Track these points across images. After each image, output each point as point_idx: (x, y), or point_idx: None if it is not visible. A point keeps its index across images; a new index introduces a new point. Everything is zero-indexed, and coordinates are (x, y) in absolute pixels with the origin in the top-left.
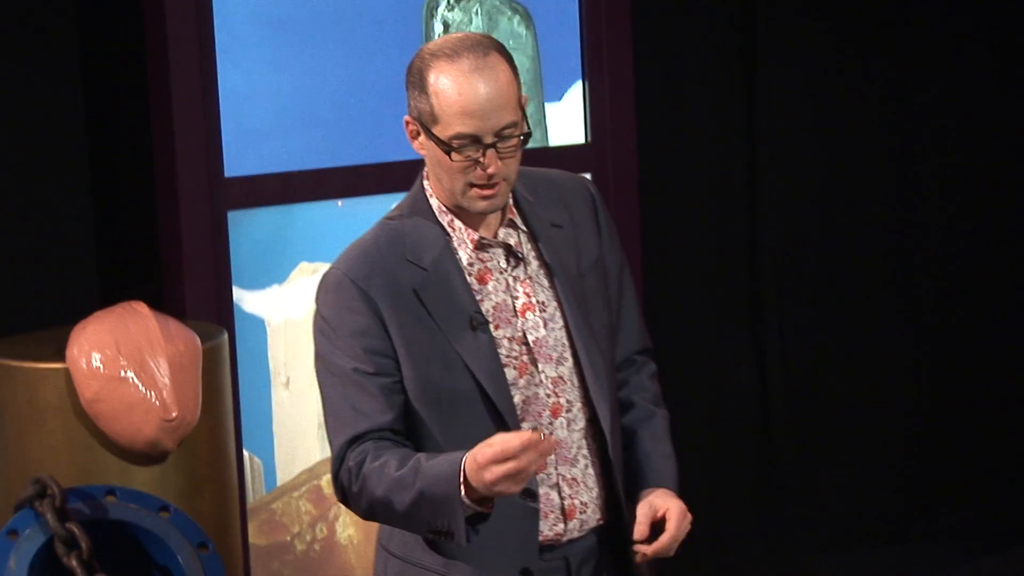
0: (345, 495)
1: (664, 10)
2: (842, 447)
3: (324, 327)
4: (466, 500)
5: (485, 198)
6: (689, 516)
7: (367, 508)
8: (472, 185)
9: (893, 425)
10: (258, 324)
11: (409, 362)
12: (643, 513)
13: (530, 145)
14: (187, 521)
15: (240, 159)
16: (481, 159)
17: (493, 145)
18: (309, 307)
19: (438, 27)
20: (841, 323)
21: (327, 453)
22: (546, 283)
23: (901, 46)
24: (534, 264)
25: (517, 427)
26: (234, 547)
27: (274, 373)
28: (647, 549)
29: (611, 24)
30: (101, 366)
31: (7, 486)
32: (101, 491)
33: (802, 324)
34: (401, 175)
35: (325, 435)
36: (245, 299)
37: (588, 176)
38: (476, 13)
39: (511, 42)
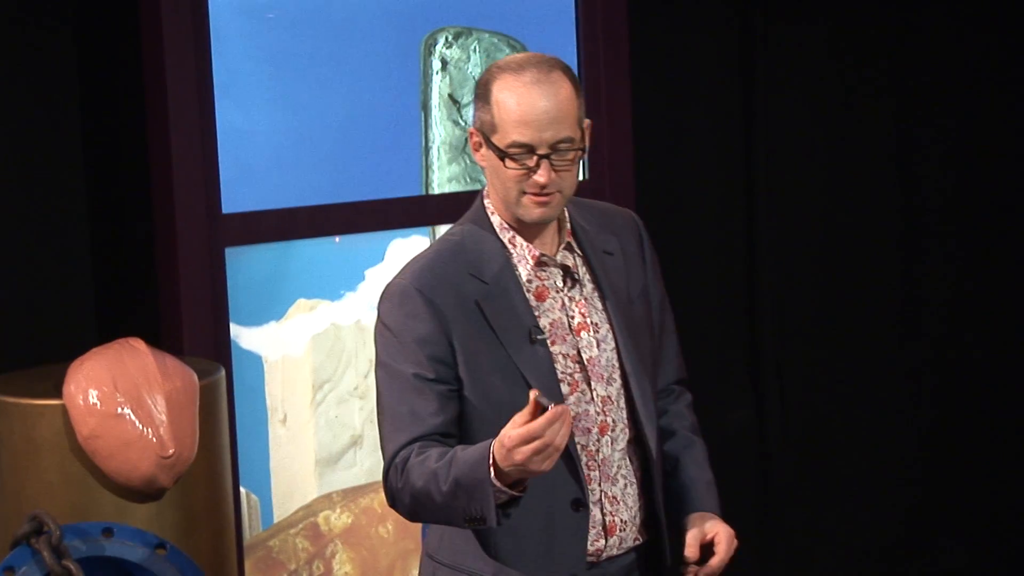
0: (392, 496)
1: (662, 50)
2: (841, 488)
3: (387, 333)
4: (496, 483)
5: (539, 205)
6: (736, 541)
7: (411, 504)
8: (525, 193)
9: (892, 467)
10: (255, 361)
11: (469, 373)
12: (693, 535)
13: None
14: (183, 559)
15: (238, 195)
16: (535, 168)
17: (547, 156)
18: (306, 344)
19: (436, 64)
20: (839, 365)
21: (324, 490)
22: (599, 305)
23: (903, 69)
24: (588, 287)
25: (575, 444)
26: None
27: (271, 410)
28: (698, 571)
29: (609, 63)
30: (98, 403)
31: (4, 523)
32: (98, 528)
33: (800, 366)
34: (399, 211)
35: (320, 472)
36: (242, 336)
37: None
38: (474, 50)
39: None
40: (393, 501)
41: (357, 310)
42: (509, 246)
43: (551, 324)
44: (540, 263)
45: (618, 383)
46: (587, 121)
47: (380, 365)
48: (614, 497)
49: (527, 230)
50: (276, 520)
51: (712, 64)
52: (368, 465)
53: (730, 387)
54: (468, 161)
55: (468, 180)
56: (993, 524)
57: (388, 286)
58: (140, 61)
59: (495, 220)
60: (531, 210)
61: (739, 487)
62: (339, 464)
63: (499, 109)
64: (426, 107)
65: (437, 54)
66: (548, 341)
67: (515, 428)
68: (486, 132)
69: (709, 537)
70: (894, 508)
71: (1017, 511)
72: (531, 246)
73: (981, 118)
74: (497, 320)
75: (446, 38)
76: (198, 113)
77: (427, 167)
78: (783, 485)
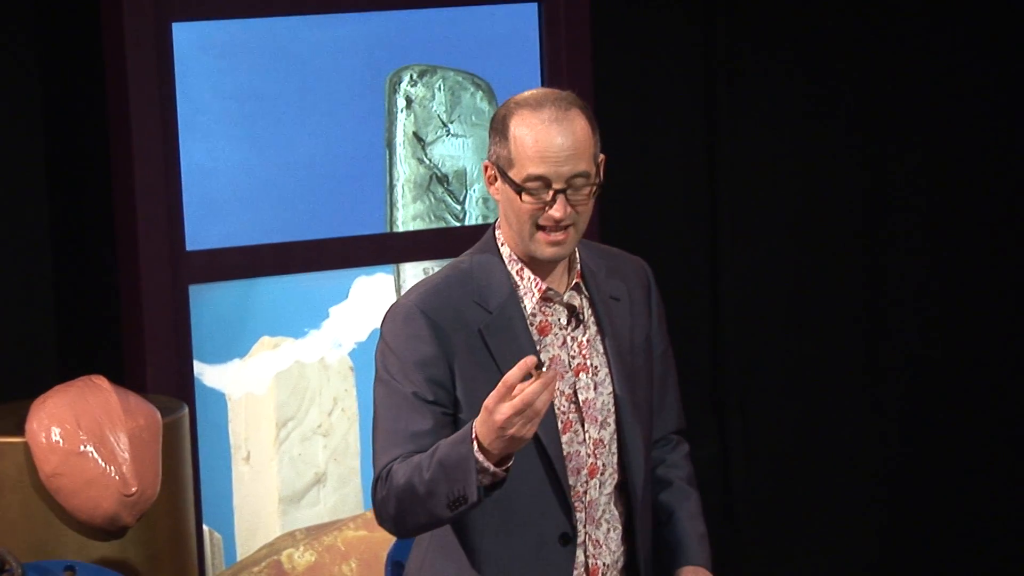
0: (378, 509)
1: (627, 86)
2: (805, 522)
3: (388, 352)
4: (479, 457)
5: (553, 243)
6: None
7: (395, 510)
8: (540, 228)
9: (857, 504)
10: (219, 398)
11: (467, 400)
12: None
13: (492, 219)
14: None
15: (202, 232)
16: (549, 202)
17: (563, 191)
18: (270, 381)
19: (401, 102)
20: (803, 402)
21: (287, 527)
22: (601, 349)
23: (867, 85)
24: (592, 329)
25: (566, 478)
26: None
27: (234, 447)
28: None
29: None
30: (61, 440)
31: None
32: (60, 566)
33: (764, 402)
34: (364, 249)
35: (283, 510)
36: (206, 373)
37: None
38: (439, 88)
39: (473, 118)
40: (380, 515)
41: (321, 348)
42: (516, 278)
43: (551, 360)
44: (546, 298)
45: (612, 427)
46: (602, 156)
47: (380, 381)
48: (597, 540)
49: (537, 265)
50: (239, 558)
51: (677, 98)
52: (332, 503)
53: (693, 423)
54: (432, 199)
55: (432, 218)
56: (962, 555)
57: (393, 306)
58: (104, 97)
59: (505, 251)
60: (544, 248)
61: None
62: (302, 502)
63: (516, 144)
64: (391, 145)
65: (402, 92)
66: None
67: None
68: (502, 166)
69: None
70: (860, 541)
71: (986, 542)
72: (538, 280)
73: (946, 135)
74: (499, 350)
75: (411, 76)
76: (162, 150)
77: (391, 204)
78: (747, 519)
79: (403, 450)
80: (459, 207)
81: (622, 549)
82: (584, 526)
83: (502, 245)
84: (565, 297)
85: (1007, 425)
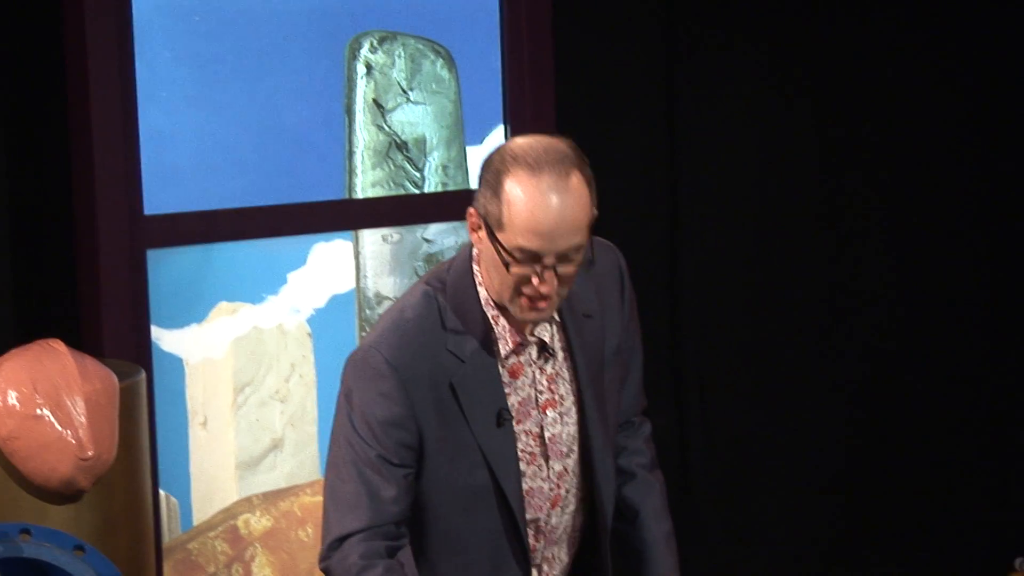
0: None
1: (587, 56)
2: (763, 498)
3: (355, 407)
4: None
5: (534, 310)
6: None
7: None
8: (522, 294)
9: (815, 477)
10: (176, 363)
11: (432, 454)
12: None
13: (451, 187)
14: (102, 560)
15: (160, 197)
16: (537, 276)
17: (553, 267)
18: (227, 347)
19: (360, 68)
20: (762, 374)
21: (243, 493)
22: (568, 376)
23: (826, 77)
24: (560, 356)
25: (523, 515)
26: None
27: (191, 413)
28: None
29: (533, 68)
30: (17, 404)
31: None
32: (15, 529)
33: (722, 374)
34: (322, 215)
35: (240, 475)
36: (163, 338)
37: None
38: (399, 56)
39: (433, 85)
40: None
41: (279, 313)
42: (493, 323)
43: (520, 402)
44: (523, 342)
45: (576, 455)
46: (594, 212)
47: (343, 433)
48: (550, 557)
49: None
50: (195, 523)
51: (636, 67)
52: (288, 468)
53: (651, 395)
54: (392, 166)
55: (392, 185)
56: (917, 534)
57: (362, 352)
58: (63, 62)
59: (482, 293)
60: (525, 313)
61: None
62: (259, 467)
63: (509, 209)
64: (350, 111)
65: (362, 58)
66: (515, 420)
67: None
68: (491, 224)
69: None
70: (817, 519)
71: (941, 522)
72: (513, 331)
73: (906, 123)
74: (468, 403)
75: (371, 42)
76: (121, 114)
77: (351, 171)
78: (704, 495)
79: (365, 521)
80: (418, 174)
81: (572, 561)
82: (543, 551)
83: (479, 285)
84: (536, 331)
85: (962, 401)
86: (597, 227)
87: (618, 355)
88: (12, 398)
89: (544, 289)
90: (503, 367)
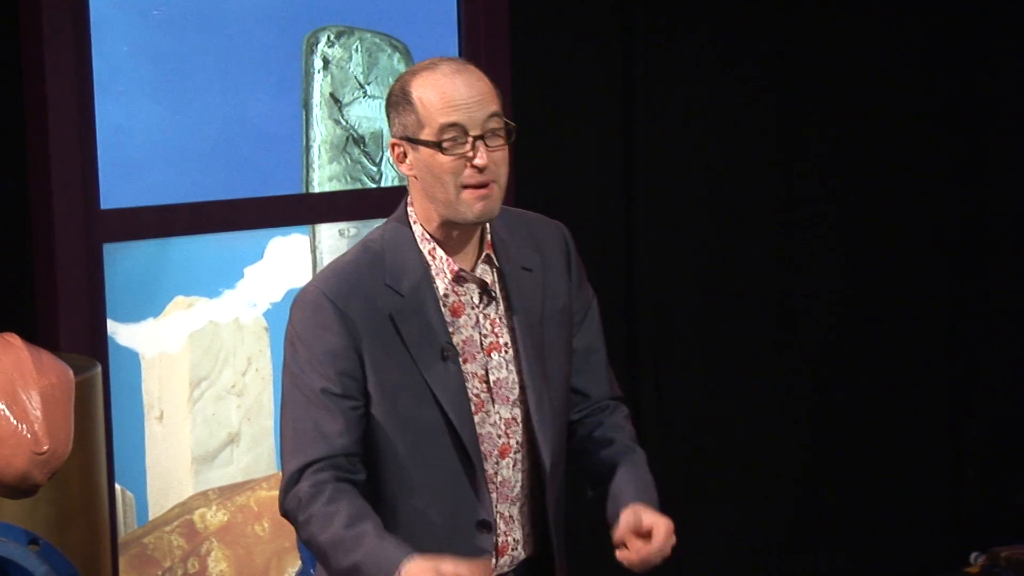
0: (289, 517)
1: (544, 56)
2: (717, 487)
3: (297, 344)
4: None
5: (481, 199)
6: (674, 537)
7: (306, 541)
8: (465, 187)
9: (770, 466)
10: (132, 357)
11: (378, 389)
12: (626, 521)
13: (407, 182)
14: (57, 555)
15: (116, 191)
16: (470, 153)
17: (481, 137)
18: (183, 342)
19: (318, 63)
20: (717, 363)
21: (199, 487)
22: (509, 324)
23: (785, 79)
24: (502, 304)
25: (480, 463)
26: None
27: (148, 407)
28: (632, 556)
29: (491, 63)
30: None
31: None
32: None
33: (677, 365)
34: (279, 209)
35: (196, 470)
36: (119, 332)
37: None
38: (356, 50)
39: (391, 79)
40: (289, 520)
41: (236, 308)
42: (429, 258)
43: (464, 341)
44: (458, 278)
45: (521, 406)
46: (501, 97)
47: (288, 374)
48: (510, 517)
49: (448, 243)
50: (151, 517)
51: (593, 62)
52: (245, 463)
53: None
54: (349, 160)
55: (348, 179)
56: (873, 526)
57: (302, 292)
58: (19, 55)
59: (417, 230)
60: (472, 205)
61: None
62: (215, 462)
63: (423, 104)
64: (307, 106)
65: (319, 53)
66: (460, 359)
67: (435, 573)
68: (411, 134)
69: (646, 527)
70: (772, 508)
71: (897, 513)
72: (450, 260)
73: (863, 125)
74: (410, 335)
75: (328, 37)
76: (77, 108)
77: (307, 166)
78: (659, 483)
79: (314, 454)
80: (375, 168)
81: (532, 520)
82: (496, 506)
83: (414, 223)
84: (477, 272)
85: (918, 392)
86: (555, 208)
87: (563, 315)
88: None
89: (481, 161)
90: (444, 306)
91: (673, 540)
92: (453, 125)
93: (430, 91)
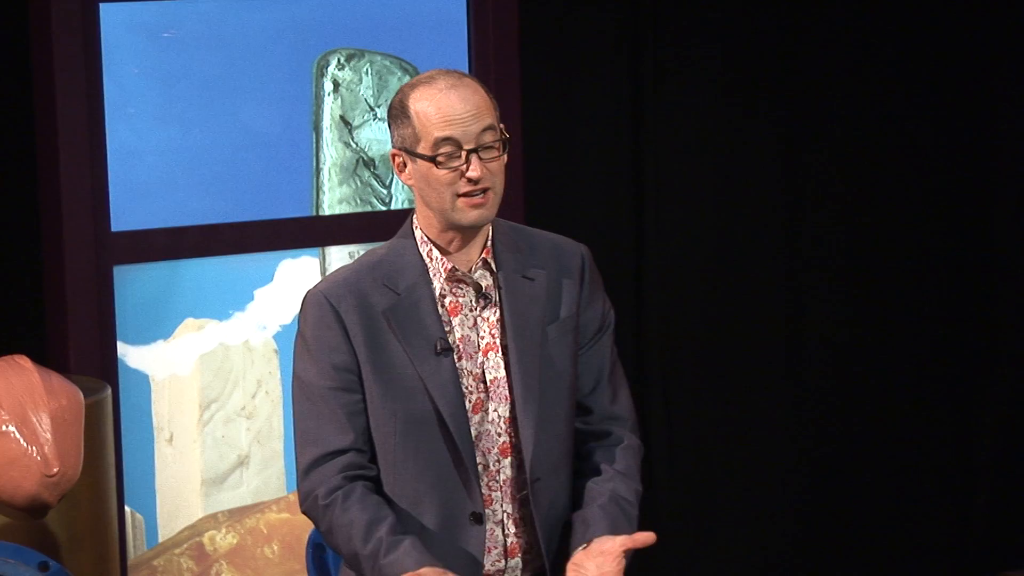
0: (309, 517)
1: (554, 76)
2: (726, 514)
3: (302, 343)
4: None
5: (475, 207)
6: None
7: (330, 546)
8: (459, 195)
9: (777, 481)
10: (142, 380)
11: (371, 383)
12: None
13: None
14: (66, 574)
15: (127, 213)
16: (464, 166)
17: (475, 150)
18: (193, 364)
19: (328, 85)
20: (726, 390)
21: (209, 510)
22: (506, 328)
23: (792, 91)
24: (500, 308)
25: (472, 458)
26: None
27: (157, 429)
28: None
29: (500, 85)
30: None
31: None
32: None
33: (687, 391)
34: (289, 232)
35: (206, 492)
36: (130, 354)
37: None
38: (367, 72)
39: None
40: (307, 512)
41: (246, 330)
42: (427, 259)
43: (460, 340)
44: (454, 278)
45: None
46: (497, 109)
47: (295, 374)
48: (520, 519)
49: (448, 247)
50: (161, 540)
51: (602, 82)
52: (255, 485)
53: None
54: (359, 183)
55: (358, 202)
56: (879, 548)
57: (305, 294)
58: (31, 77)
59: (418, 234)
60: (467, 213)
61: None
62: (225, 484)
63: (419, 118)
64: (317, 128)
65: (329, 75)
66: (456, 356)
67: None
68: (409, 147)
69: (596, 548)
70: (779, 525)
71: (904, 536)
72: (445, 260)
73: (872, 138)
74: (403, 331)
75: (338, 60)
76: (88, 130)
77: (317, 188)
78: (668, 500)
79: (322, 449)
80: (385, 191)
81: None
82: (502, 504)
83: (416, 228)
84: (475, 276)
85: (927, 409)
86: (562, 223)
87: (568, 324)
88: None
89: (475, 174)
90: (441, 305)
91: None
92: (447, 140)
93: (426, 105)
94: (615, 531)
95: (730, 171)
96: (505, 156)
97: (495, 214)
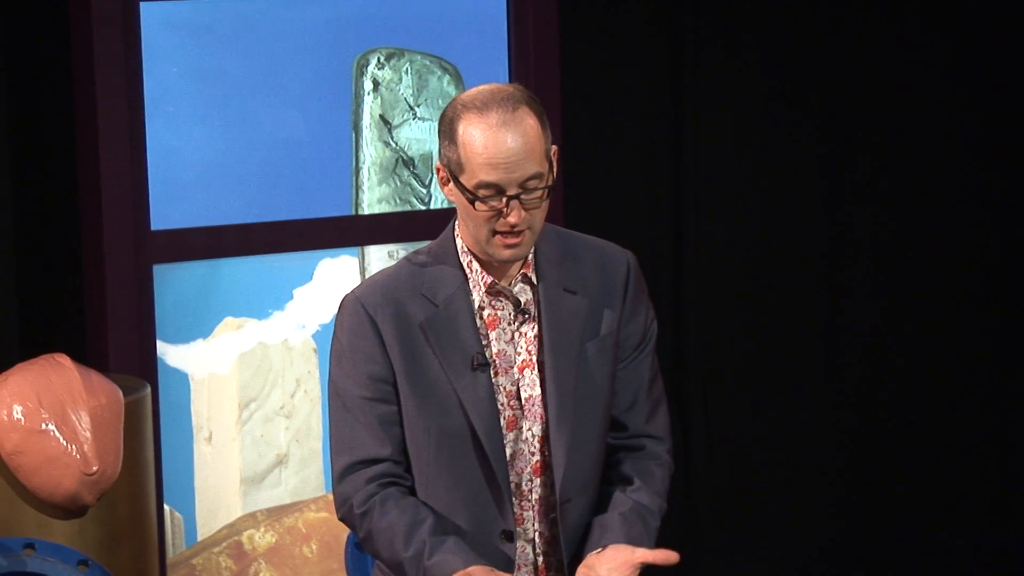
0: (346, 523)
1: (594, 76)
2: (764, 508)
3: (338, 350)
4: None
5: (509, 247)
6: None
7: (372, 553)
8: (496, 232)
9: (816, 481)
10: (182, 378)
11: (407, 395)
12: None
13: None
14: (105, 573)
15: (167, 212)
16: (504, 209)
17: (517, 196)
18: (233, 362)
19: (368, 84)
20: (765, 384)
21: (248, 509)
22: (543, 343)
23: (832, 94)
24: (538, 323)
25: (506, 477)
26: None
27: (197, 428)
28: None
29: (541, 85)
30: (22, 418)
31: None
32: (20, 544)
33: (725, 384)
34: (328, 231)
35: (244, 491)
36: (169, 353)
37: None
38: (406, 72)
39: (440, 101)
40: (345, 518)
41: (285, 329)
42: (467, 269)
43: (497, 355)
44: (493, 291)
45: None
46: (554, 148)
47: (331, 380)
48: (552, 537)
49: (488, 261)
50: (200, 538)
51: (642, 85)
52: (293, 484)
53: None
54: (398, 182)
55: (398, 201)
56: (919, 553)
57: (342, 300)
58: (71, 77)
59: (459, 243)
60: (501, 251)
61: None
62: (264, 483)
63: (465, 150)
64: (357, 128)
65: (369, 75)
66: (492, 371)
67: None
68: (453, 170)
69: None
70: (818, 525)
71: (943, 542)
72: (484, 272)
73: (911, 147)
74: (440, 344)
75: (378, 59)
76: (128, 130)
77: (357, 187)
78: (705, 500)
79: (357, 455)
80: (424, 190)
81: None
82: (534, 524)
83: (457, 236)
84: (515, 290)
85: (965, 404)
86: (603, 236)
87: (607, 340)
88: (17, 412)
89: (513, 219)
90: (480, 318)
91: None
92: (490, 185)
93: (474, 141)
94: (632, 541)
95: (770, 169)
96: (547, 202)
97: (530, 251)
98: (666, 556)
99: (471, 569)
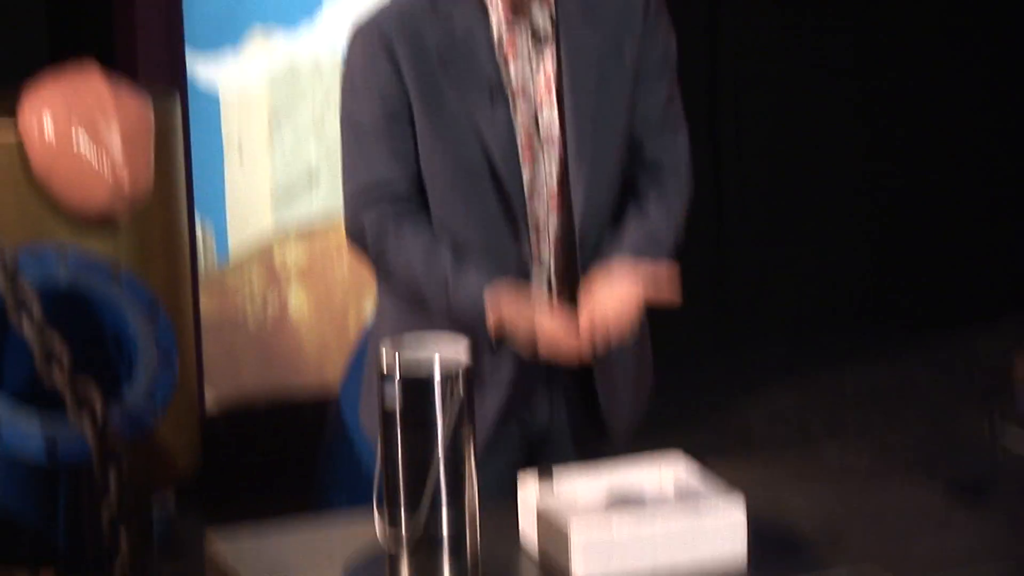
0: (357, 247)
1: None
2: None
3: (348, 75)
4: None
5: None
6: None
7: (383, 274)
8: None
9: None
10: (212, 97)
11: (423, 122)
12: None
13: None
14: (137, 284)
15: None
16: None
17: None
18: (262, 80)
19: None
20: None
21: (279, 224)
22: (561, 68)
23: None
24: (553, 47)
25: (523, 206)
26: (185, 313)
27: (227, 145)
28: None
29: None
30: (54, 136)
31: None
32: (53, 254)
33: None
34: None
35: (274, 208)
36: (199, 70)
37: None
38: None
39: None
40: (357, 249)
41: (314, 46)
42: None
43: (515, 83)
44: (511, 19)
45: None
46: None
47: (341, 106)
48: (568, 271)
49: None
50: (232, 253)
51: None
52: (324, 202)
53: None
54: None
55: None
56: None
57: (354, 23)
58: None
59: None
60: None
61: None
62: (295, 200)
63: None
64: None
65: None
66: (510, 100)
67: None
68: None
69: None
70: (847, 274)
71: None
72: (504, 4)
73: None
74: (458, 72)
75: None
76: None
77: None
78: (735, 215)
79: (368, 178)
80: None
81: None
82: (551, 258)
83: None
84: (533, 18)
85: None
86: None
87: (626, 66)
88: (48, 128)
89: None
90: (497, 48)
91: (628, 306)
92: None
93: None
94: (638, 255)
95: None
96: None
97: None
98: (669, 273)
99: (499, 286)
